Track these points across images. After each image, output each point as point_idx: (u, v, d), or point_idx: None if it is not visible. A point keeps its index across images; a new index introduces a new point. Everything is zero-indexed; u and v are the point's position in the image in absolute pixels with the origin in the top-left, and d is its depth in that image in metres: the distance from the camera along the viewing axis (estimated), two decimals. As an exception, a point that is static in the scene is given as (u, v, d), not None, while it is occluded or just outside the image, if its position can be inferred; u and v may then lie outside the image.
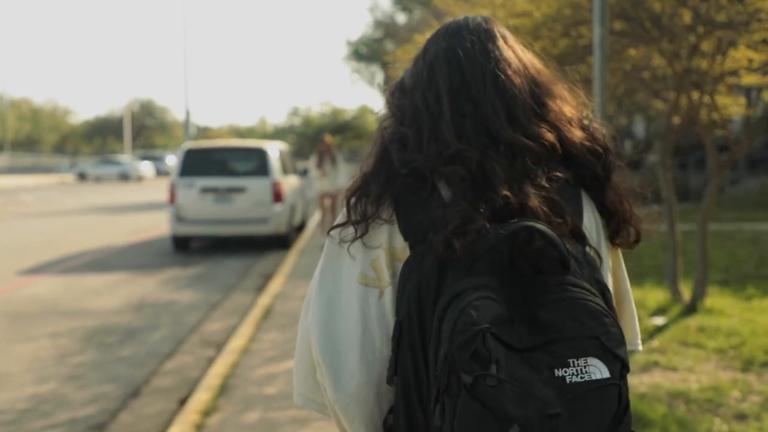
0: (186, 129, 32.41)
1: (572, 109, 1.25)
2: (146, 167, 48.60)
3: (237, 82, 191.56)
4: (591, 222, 1.22)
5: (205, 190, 12.30)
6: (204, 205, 12.29)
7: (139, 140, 78.72)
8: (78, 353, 6.37)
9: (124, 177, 47.47)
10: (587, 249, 1.15)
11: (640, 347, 1.37)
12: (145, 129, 79.94)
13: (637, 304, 6.45)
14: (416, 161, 1.16)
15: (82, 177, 48.77)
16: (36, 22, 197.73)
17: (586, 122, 1.25)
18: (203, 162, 12.72)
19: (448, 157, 1.14)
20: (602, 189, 1.22)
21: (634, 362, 5.03)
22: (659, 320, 5.97)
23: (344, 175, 12.46)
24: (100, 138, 79.29)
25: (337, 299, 1.20)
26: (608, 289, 1.12)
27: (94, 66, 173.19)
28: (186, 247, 12.84)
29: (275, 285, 8.90)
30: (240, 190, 12.40)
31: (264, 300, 7.93)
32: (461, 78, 1.20)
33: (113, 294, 9.03)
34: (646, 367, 4.94)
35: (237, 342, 6.18)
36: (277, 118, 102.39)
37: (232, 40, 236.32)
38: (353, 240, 1.19)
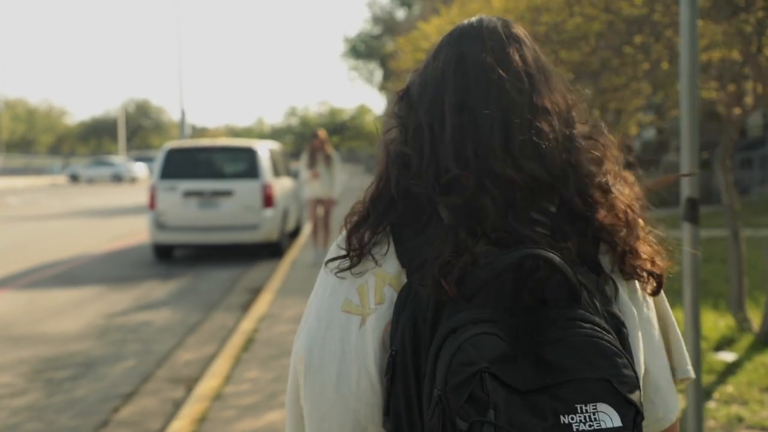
0: (181, 129, 31.67)
1: (569, 127, 1.11)
2: (140, 168, 47.38)
3: (234, 82, 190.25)
4: (605, 250, 1.08)
5: (189, 194, 11.18)
6: (187, 211, 11.17)
7: (134, 141, 77.76)
8: (20, 394, 5.28)
9: (117, 178, 46.39)
10: (600, 278, 1.04)
11: (692, 373, 1.17)
12: (141, 129, 79.01)
13: (688, 336, 5.38)
14: (414, 188, 1.08)
15: (74, 178, 47.66)
16: (31, 22, 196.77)
17: (575, 138, 1.11)
18: (186, 163, 11.59)
19: (444, 184, 1.07)
20: (596, 217, 1.07)
21: (711, 416, 3.94)
22: (728, 356, 4.87)
23: (340, 179, 11.02)
24: (96, 139, 78.47)
25: (317, 327, 1.09)
26: (624, 324, 1.01)
27: (89, 66, 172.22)
28: (169, 256, 11.73)
29: (262, 304, 7.80)
30: (227, 193, 11.28)
31: (247, 324, 6.82)
32: (467, 92, 1.10)
33: (78, 314, 7.94)
34: (729, 426, 3.85)
35: (210, 383, 5.07)
36: (275, 118, 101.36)
37: (229, 38, 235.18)
38: (340, 270, 1.10)
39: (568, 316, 0.94)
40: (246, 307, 8.00)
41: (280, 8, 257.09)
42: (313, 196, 10.69)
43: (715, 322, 5.59)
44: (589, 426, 0.87)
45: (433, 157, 1.09)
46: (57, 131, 78.05)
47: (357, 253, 1.09)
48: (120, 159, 50.91)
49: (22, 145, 73.34)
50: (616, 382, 0.89)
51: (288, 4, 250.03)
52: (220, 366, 5.48)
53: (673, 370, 1.16)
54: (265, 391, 4.87)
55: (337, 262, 1.11)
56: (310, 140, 10.81)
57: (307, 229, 15.03)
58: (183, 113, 32.63)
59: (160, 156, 11.63)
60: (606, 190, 1.09)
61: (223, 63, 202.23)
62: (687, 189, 3.15)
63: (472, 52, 1.12)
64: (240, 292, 9.05)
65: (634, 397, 0.90)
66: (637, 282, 1.11)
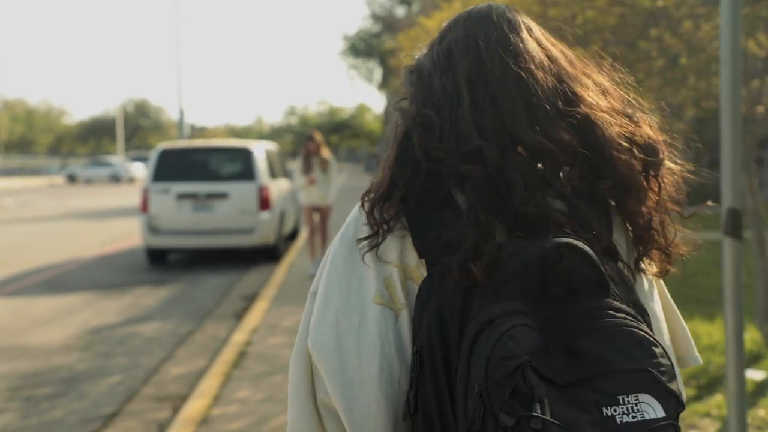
0: (180, 129, 31.39)
1: (612, 100, 1.09)
2: (138, 168, 47.00)
3: (233, 81, 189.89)
4: (620, 236, 1.07)
5: (182, 197, 10.81)
6: (181, 214, 10.80)
7: (133, 141, 77.46)
8: (-6, 415, 4.92)
9: (115, 179, 46.03)
10: (621, 266, 1.03)
11: (700, 359, 1.19)
12: (140, 129, 78.71)
13: (716, 349, 5.03)
14: (438, 152, 1.02)
15: (72, 179, 47.30)
16: (30, 22, 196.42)
17: (629, 112, 1.08)
18: (180, 165, 11.20)
19: (466, 154, 1.01)
20: (638, 197, 1.04)
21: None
22: (756, 375, 4.52)
23: (337, 184, 9.86)
24: (95, 139, 78.20)
25: (347, 320, 1.03)
26: (647, 312, 1.00)
27: (89, 66, 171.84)
28: (162, 261, 11.36)
29: (256, 313, 7.45)
30: (222, 196, 10.91)
31: (239, 336, 6.46)
32: (480, 70, 1.06)
33: (64, 323, 7.58)
34: (765, 457, 3.49)
35: (197, 404, 4.72)
36: (274, 117, 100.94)
37: (228, 38, 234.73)
38: (370, 248, 1.05)
39: (599, 306, 0.91)
40: (240, 315, 7.65)
41: (279, 7, 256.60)
42: (309, 203, 9.77)
43: (739, 336, 5.22)
44: (633, 417, 0.85)
45: (453, 125, 1.03)
46: (56, 131, 77.76)
47: (384, 227, 1.05)
48: (118, 159, 50.53)
49: (21, 145, 73.05)
50: (656, 372, 0.87)
51: (287, 2, 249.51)
52: (209, 384, 5.12)
53: (682, 360, 1.16)
54: (255, 414, 4.51)
55: (368, 240, 1.05)
56: (305, 143, 9.80)
57: (304, 234, 14.70)
58: (182, 113, 32.33)
59: (152, 157, 11.27)
60: (634, 171, 1.04)
61: (222, 62, 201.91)
62: (728, 197, 2.78)
63: (484, 32, 1.09)
64: (234, 299, 8.69)
65: (674, 386, 0.88)
66: (645, 270, 1.08)
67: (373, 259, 1.04)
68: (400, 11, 32.53)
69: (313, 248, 9.79)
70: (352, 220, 1.10)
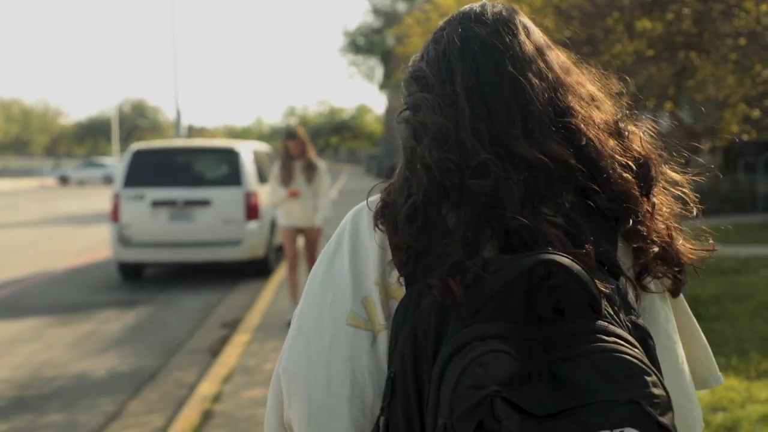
0: (177, 129, 30.42)
1: (604, 113, 1.03)
2: (132, 170, 45.71)
3: (233, 82, 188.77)
4: (624, 251, 1.00)
5: (158, 204, 9.46)
6: (156, 224, 9.45)
7: (131, 141, 76.32)
8: None
9: (109, 180, 44.75)
10: (622, 284, 0.94)
11: (722, 379, 1.12)
12: (137, 130, 77.61)
13: None
14: (447, 163, 0.95)
15: (64, 181, 46.01)
16: (28, 22, 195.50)
17: (621, 126, 1.03)
18: (156, 168, 9.85)
19: (474, 168, 0.94)
20: (634, 211, 0.98)
21: None
22: None
23: (328, 198, 7.22)
24: (92, 139, 77.24)
25: (319, 344, 0.98)
26: (650, 335, 0.91)
27: (86, 66, 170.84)
28: (137, 276, 10.02)
29: (234, 350, 6.10)
30: (203, 203, 9.56)
31: (208, 387, 5.10)
32: (476, 76, 1.00)
33: (2, 360, 6.24)
34: None
35: (130, 507, 3.38)
36: (274, 117, 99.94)
37: (226, 37, 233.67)
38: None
39: (589, 328, 0.84)
40: (215, 351, 6.32)
41: (278, 4, 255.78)
42: (289, 224, 7.07)
43: None
44: None
45: (458, 133, 0.97)
46: (53, 132, 76.83)
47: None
48: (111, 160, 49.29)
49: (16, 146, 72.09)
50: (647, 404, 0.79)
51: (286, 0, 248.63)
52: (155, 469, 3.78)
53: (704, 381, 1.10)
54: None
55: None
56: (284, 143, 7.05)
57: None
58: (178, 113, 31.45)
59: (124, 159, 9.92)
60: (629, 185, 0.98)
61: (221, 62, 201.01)
62: None
63: (478, 36, 1.03)
64: (212, 327, 7.36)
65: (667, 419, 0.80)
66: (653, 285, 1.00)
67: (352, 275, 0.99)
68: (402, 6, 31.30)
69: (296, 286, 7.04)
70: (338, 232, 1.06)
